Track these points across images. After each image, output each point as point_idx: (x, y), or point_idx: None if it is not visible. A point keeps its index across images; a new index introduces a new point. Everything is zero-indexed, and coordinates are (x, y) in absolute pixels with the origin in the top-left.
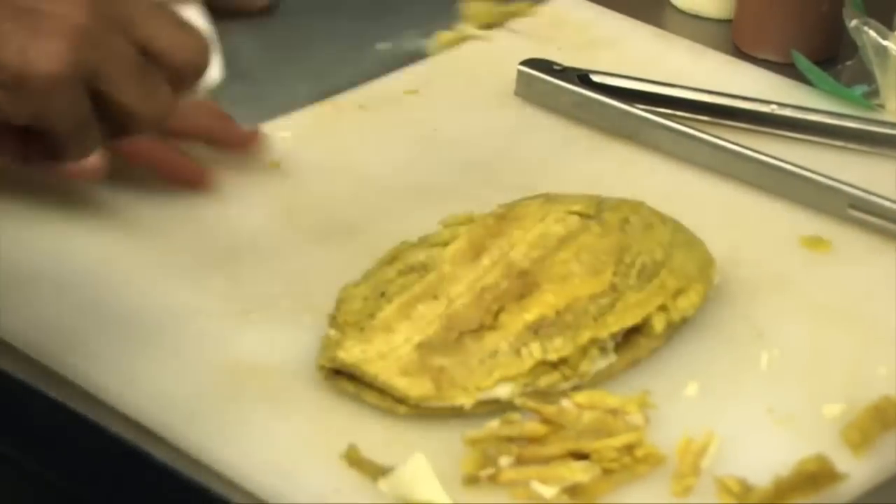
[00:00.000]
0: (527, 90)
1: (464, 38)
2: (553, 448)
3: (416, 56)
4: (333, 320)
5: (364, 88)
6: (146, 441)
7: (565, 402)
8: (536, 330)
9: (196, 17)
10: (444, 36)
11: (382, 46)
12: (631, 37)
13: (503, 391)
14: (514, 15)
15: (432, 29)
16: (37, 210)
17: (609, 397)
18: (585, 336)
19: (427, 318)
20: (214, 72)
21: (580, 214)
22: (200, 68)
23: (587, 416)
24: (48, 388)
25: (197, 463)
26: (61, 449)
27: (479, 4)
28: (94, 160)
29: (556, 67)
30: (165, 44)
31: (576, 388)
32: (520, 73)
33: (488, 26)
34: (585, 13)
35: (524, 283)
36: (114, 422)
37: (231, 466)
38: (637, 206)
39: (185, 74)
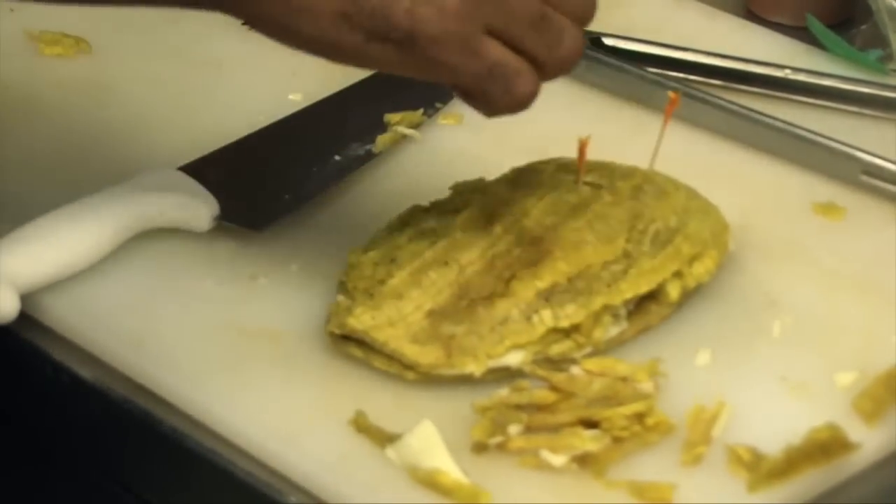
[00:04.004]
0: None
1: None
2: (562, 416)
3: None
4: (343, 286)
5: None
6: (153, 405)
7: (575, 370)
8: (548, 297)
9: None
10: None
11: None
12: None
13: (513, 359)
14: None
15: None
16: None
17: (619, 365)
18: (598, 302)
19: (438, 286)
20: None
21: (592, 185)
22: (594, 6)
23: (597, 384)
24: (53, 352)
25: (203, 427)
26: (65, 413)
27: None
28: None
29: None
30: None
31: (587, 356)
32: None
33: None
34: None
35: (536, 251)
36: (120, 385)
37: (237, 432)
38: (650, 174)
39: (583, 15)
